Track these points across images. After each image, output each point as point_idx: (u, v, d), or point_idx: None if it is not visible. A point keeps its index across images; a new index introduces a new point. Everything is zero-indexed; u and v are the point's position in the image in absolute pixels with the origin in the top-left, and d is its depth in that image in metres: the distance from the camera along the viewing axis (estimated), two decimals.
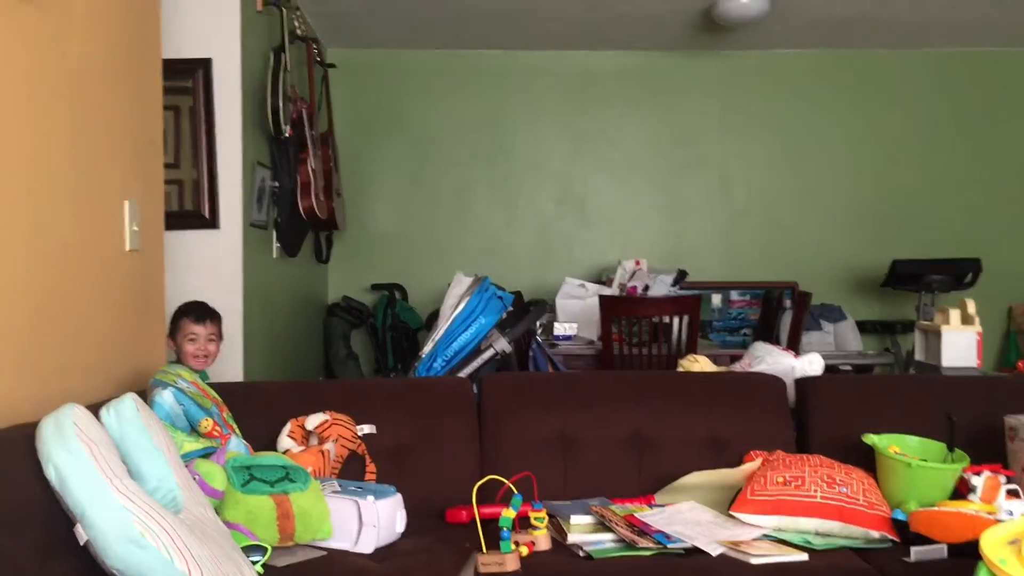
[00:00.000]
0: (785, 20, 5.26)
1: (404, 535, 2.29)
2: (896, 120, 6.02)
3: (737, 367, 3.21)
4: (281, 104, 4.02)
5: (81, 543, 1.59)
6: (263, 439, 2.50)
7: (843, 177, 6.03)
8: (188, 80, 3.79)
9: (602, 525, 2.33)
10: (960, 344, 3.34)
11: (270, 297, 4.30)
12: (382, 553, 2.19)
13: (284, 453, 2.43)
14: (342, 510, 2.21)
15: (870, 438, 2.48)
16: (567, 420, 2.71)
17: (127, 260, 2.51)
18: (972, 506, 2.23)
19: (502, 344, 3.13)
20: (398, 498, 2.29)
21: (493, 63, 5.99)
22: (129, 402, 1.86)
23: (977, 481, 2.31)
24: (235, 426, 2.45)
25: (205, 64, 3.79)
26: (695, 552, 2.18)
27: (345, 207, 5.54)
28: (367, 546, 2.19)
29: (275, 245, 4.39)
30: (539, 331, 3.91)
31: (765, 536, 2.30)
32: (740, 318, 5.79)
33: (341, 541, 2.20)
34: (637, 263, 5.16)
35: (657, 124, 6.04)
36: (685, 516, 2.39)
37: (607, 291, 4.88)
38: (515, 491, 2.29)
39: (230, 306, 3.74)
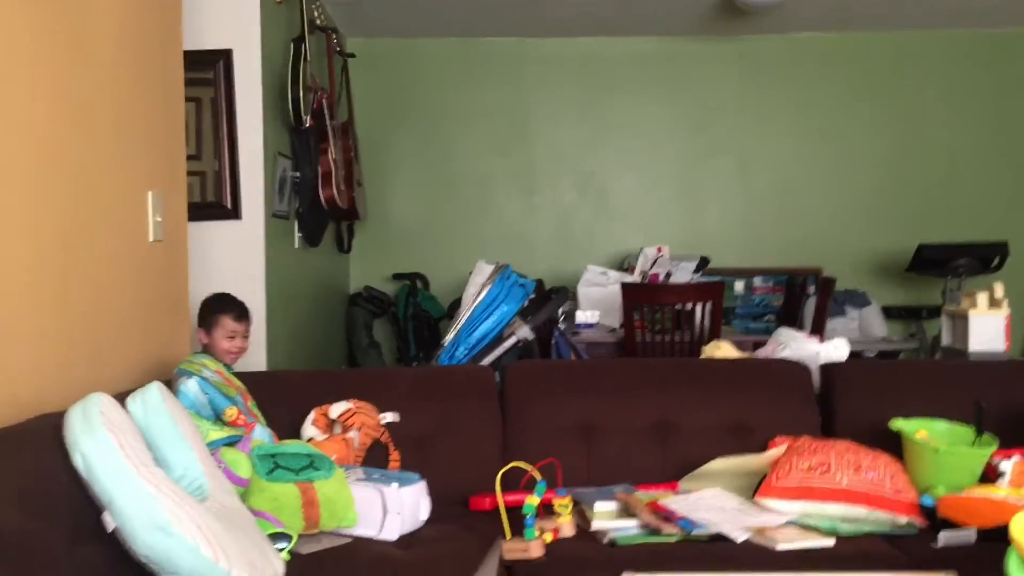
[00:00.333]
0: (804, 3, 5.20)
1: (428, 522, 2.30)
2: (919, 102, 5.94)
3: (761, 353, 3.19)
4: (302, 94, 4.03)
5: (109, 530, 1.60)
6: (287, 428, 2.52)
7: (866, 161, 5.96)
8: (209, 71, 3.79)
9: (626, 512, 2.33)
10: (988, 328, 3.30)
11: (292, 287, 4.32)
12: (406, 540, 2.20)
13: (308, 441, 2.44)
14: (366, 498, 2.22)
15: (897, 423, 2.46)
16: (590, 407, 2.71)
17: (151, 251, 2.53)
18: (1001, 491, 2.20)
19: (524, 332, 3.12)
20: (422, 485, 2.29)
21: (511, 50, 5.96)
22: (155, 391, 1.87)
23: (1006, 466, 2.30)
24: (259, 414, 2.46)
25: (226, 55, 3.79)
26: (720, 538, 2.17)
27: (366, 197, 5.55)
28: (392, 533, 2.20)
29: (297, 235, 4.41)
30: (561, 319, 3.90)
31: (791, 522, 2.28)
32: (763, 304, 5.75)
33: (366, 528, 2.21)
34: (659, 250, 5.13)
35: (676, 110, 6.00)
36: (709, 502, 2.38)
37: (629, 278, 4.86)
38: (539, 478, 2.28)
39: (253, 296, 3.74)
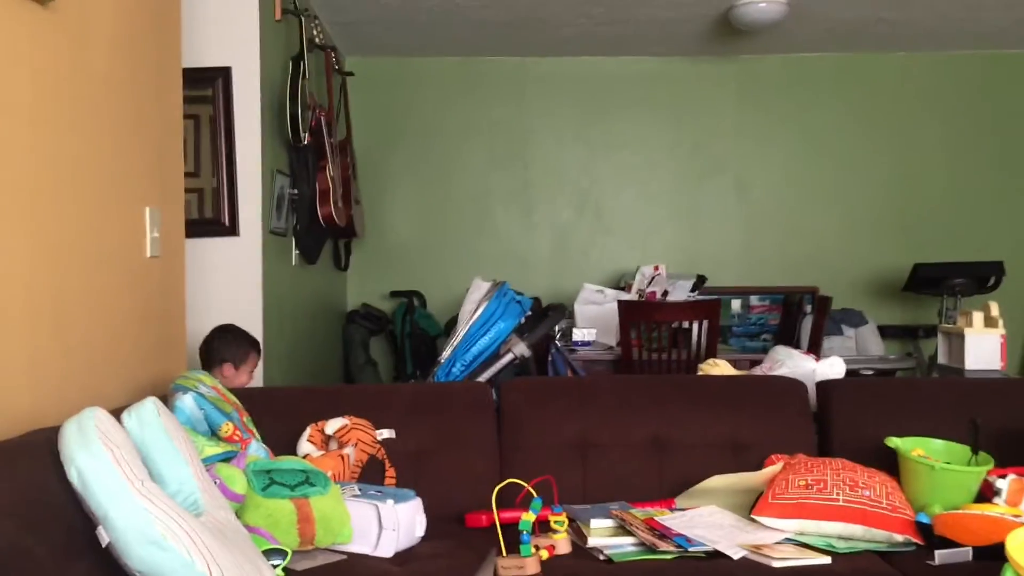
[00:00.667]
0: (802, 24, 5.24)
1: (424, 539, 2.29)
2: (915, 123, 5.98)
3: (758, 371, 3.19)
4: (300, 111, 4.04)
5: (103, 545, 1.59)
6: (283, 444, 2.51)
7: (862, 181, 5.99)
8: (208, 89, 3.81)
9: (622, 529, 2.32)
10: (984, 347, 3.31)
11: (289, 304, 4.32)
12: (402, 557, 2.19)
13: (304, 457, 2.43)
14: (362, 514, 2.21)
15: (893, 441, 2.46)
16: (587, 424, 2.71)
17: (148, 267, 2.53)
18: (997, 509, 2.20)
19: (521, 348, 3.12)
20: (418, 502, 2.29)
21: (509, 70, 6.00)
22: (150, 406, 1.87)
23: (1002, 484, 2.29)
24: (255, 430, 2.46)
25: (225, 73, 3.81)
26: (716, 556, 2.16)
27: (364, 215, 5.56)
28: (387, 550, 2.19)
29: (294, 252, 4.42)
30: (558, 336, 3.91)
31: (787, 540, 2.28)
32: (760, 323, 5.76)
33: (361, 545, 2.21)
34: (656, 268, 5.14)
35: (674, 129, 6.03)
36: (706, 519, 2.38)
37: (626, 297, 4.87)
38: (535, 495, 2.28)
39: (250, 313, 3.76)
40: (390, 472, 2.55)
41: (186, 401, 2.26)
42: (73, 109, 2.11)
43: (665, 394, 2.81)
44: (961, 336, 3.36)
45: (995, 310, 3.40)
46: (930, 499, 2.32)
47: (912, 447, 2.45)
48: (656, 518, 2.36)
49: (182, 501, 1.78)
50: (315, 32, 4.56)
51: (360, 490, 2.31)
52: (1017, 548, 1.70)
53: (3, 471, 1.59)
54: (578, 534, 2.34)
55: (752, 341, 5.69)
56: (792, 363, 3.08)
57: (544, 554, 2.18)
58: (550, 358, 3.66)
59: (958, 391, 2.82)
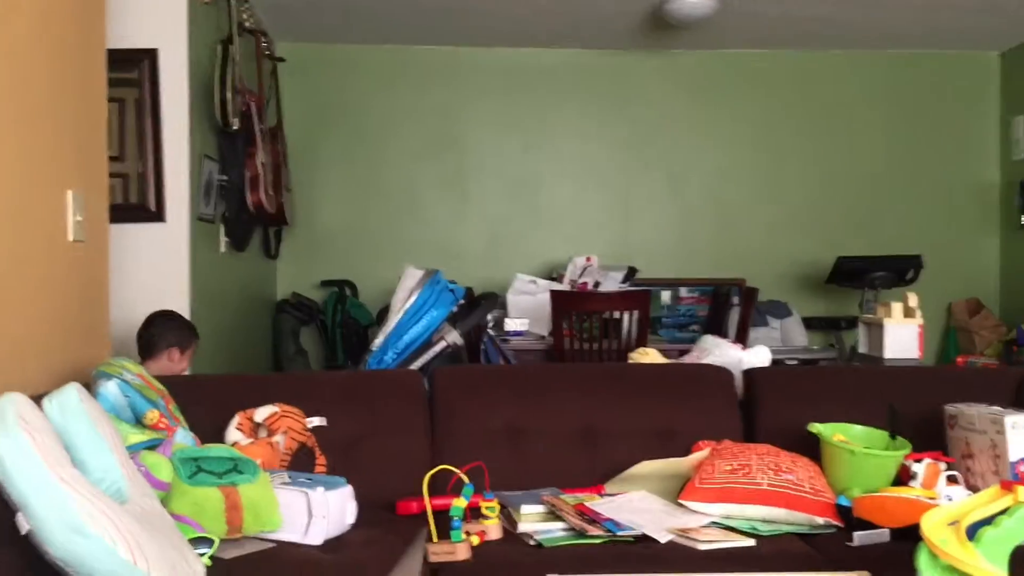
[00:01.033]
0: (734, 20, 5.33)
1: (354, 527, 2.27)
2: (842, 121, 6.13)
3: (686, 360, 3.24)
4: (229, 96, 3.98)
5: (23, 532, 1.55)
6: (210, 433, 2.46)
7: (790, 177, 6.13)
8: (133, 72, 3.73)
9: (552, 514, 2.35)
10: (902, 336, 3.42)
11: (218, 292, 4.25)
12: (332, 544, 2.17)
13: (232, 445, 2.39)
14: (291, 501, 2.19)
15: (815, 427, 2.52)
16: (518, 412, 2.72)
17: (70, 251, 2.46)
18: (913, 491, 2.28)
19: (453, 336, 3.12)
20: (348, 489, 2.27)
21: (443, 59, 5.98)
22: (72, 392, 1.83)
23: (918, 468, 2.37)
24: (181, 418, 2.41)
25: (151, 55, 3.73)
26: (644, 539, 2.20)
27: (294, 203, 5.49)
28: (317, 537, 2.17)
29: (223, 239, 4.34)
30: (491, 325, 3.92)
31: (713, 523, 2.33)
32: (689, 314, 5.85)
33: (290, 533, 2.18)
34: (588, 260, 5.18)
35: (609, 122, 6.08)
36: (635, 504, 2.41)
37: (558, 287, 4.90)
38: (466, 481, 2.29)
39: (177, 301, 3.69)
40: (321, 460, 2.53)
41: (109, 388, 2.21)
42: None
43: (596, 382, 2.84)
44: (881, 326, 3.47)
45: (913, 301, 3.52)
46: (850, 483, 2.40)
47: (833, 433, 2.52)
48: (586, 503, 2.39)
49: (106, 489, 1.74)
50: (244, 16, 4.48)
51: (290, 478, 2.28)
52: (931, 528, 1.77)
53: None
54: (509, 520, 2.35)
55: (681, 332, 5.78)
56: (720, 352, 3.14)
57: (475, 540, 2.18)
58: (483, 347, 3.67)
59: (878, 379, 2.91)
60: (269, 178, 4.51)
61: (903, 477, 2.41)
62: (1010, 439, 2.33)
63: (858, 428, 2.58)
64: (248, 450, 2.35)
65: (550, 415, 2.72)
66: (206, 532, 2.01)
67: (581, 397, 2.77)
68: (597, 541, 2.20)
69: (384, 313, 5.01)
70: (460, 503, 2.17)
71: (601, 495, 2.51)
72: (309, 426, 2.54)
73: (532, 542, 2.22)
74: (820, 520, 2.33)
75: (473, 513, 2.33)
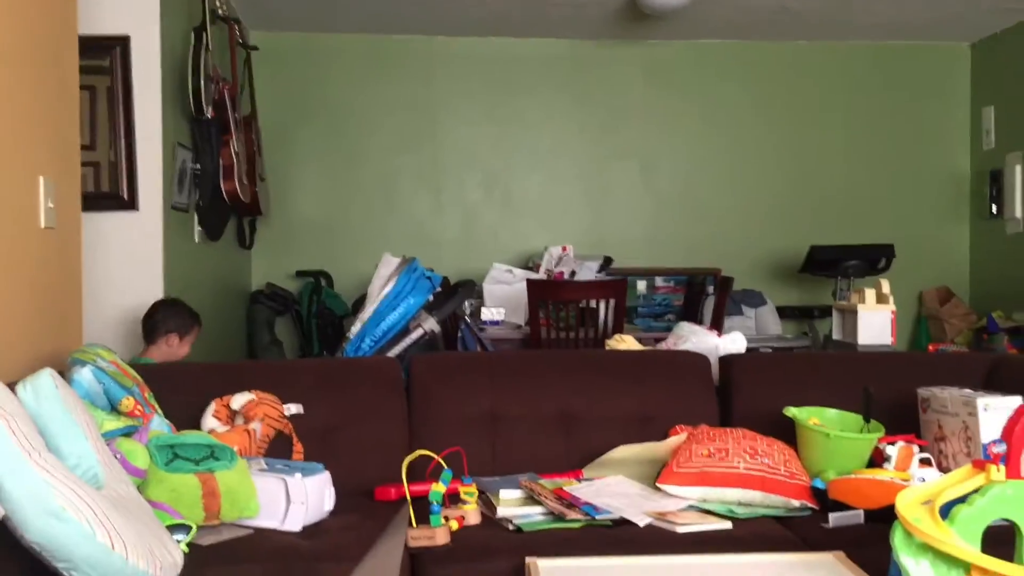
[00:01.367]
0: (707, 10, 5.35)
1: (333, 513, 2.27)
2: (813, 111, 6.17)
3: (663, 347, 3.26)
4: (203, 84, 3.94)
5: None
6: (186, 420, 2.45)
7: (764, 166, 6.16)
8: (105, 59, 3.68)
9: (531, 499, 2.35)
10: (875, 322, 3.45)
11: (191, 282, 4.21)
12: (310, 531, 2.17)
13: (209, 433, 2.38)
14: (269, 488, 2.18)
15: (791, 411, 2.55)
16: (496, 398, 2.72)
17: (42, 237, 2.44)
18: (887, 474, 2.31)
19: (431, 324, 3.12)
20: (326, 476, 2.27)
21: (418, 48, 5.96)
22: (47, 378, 1.81)
23: (892, 451, 2.40)
24: (157, 406, 2.39)
25: (123, 42, 3.69)
26: (623, 523, 2.21)
27: (269, 192, 5.45)
28: (295, 524, 2.17)
29: (196, 229, 4.30)
30: (467, 313, 3.92)
31: (691, 507, 2.34)
32: (664, 304, 5.88)
33: (268, 519, 2.18)
34: (564, 249, 5.19)
35: (583, 112, 6.09)
36: (613, 489, 2.43)
37: (534, 276, 4.91)
38: (445, 467, 2.29)
39: (150, 290, 3.66)
40: (298, 447, 2.52)
41: (84, 374, 2.19)
42: None
43: (573, 368, 2.84)
44: (854, 312, 3.50)
45: (886, 287, 3.55)
46: (825, 465, 2.42)
47: (808, 416, 2.54)
48: (564, 488, 2.40)
49: (81, 474, 1.73)
50: (218, 3, 4.43)
51: (267, 464, 2.28)
52: (906, 507, 1.79)
53: None
54: (488, 505, 2.36)
55: (657, 321, 5.80)
56: (696, 339, 3.16)
57: (454, 524, 2.19)
58: (460, 335, 3.67)
59: (852, 364, 2.94)
60: (243, 167, 4.48)
61: (877, 460, 2.44)
62: (982, 421, 2.37)
63: (833, 412, 2.61)
64: (225, 437, 2.34)
65: (527, 401, 2.73)
66: (183, 519, 2.01)
67: (558, 383, 2.77)
68: (576, 525, 2.20)
69: (360, 304, 5.00)
70: (439, 488, 2.17)
71: (579, 480, 2.52)
72: (286, 413, 2.53)
73: (511, 526, 2.23)
74: (796, 503, 2.35)
75: (452, 499, 2.33)
